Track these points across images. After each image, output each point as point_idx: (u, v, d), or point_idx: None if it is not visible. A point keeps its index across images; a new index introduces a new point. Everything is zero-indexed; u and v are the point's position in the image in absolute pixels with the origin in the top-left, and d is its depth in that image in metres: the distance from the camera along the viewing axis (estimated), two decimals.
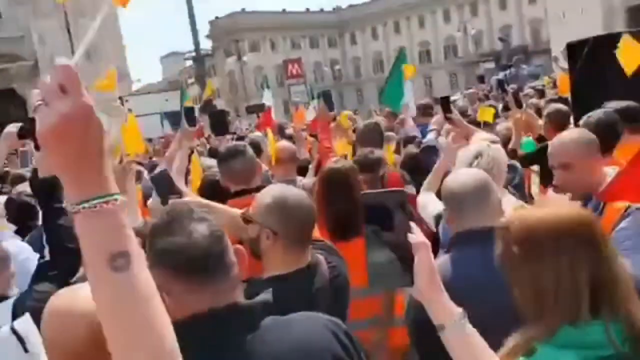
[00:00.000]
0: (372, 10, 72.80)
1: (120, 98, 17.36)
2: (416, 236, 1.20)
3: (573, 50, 5.74)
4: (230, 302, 1.29)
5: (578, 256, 1.27)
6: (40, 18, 28.89)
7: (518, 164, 4.22)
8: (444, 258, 2.00)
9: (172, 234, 1.28)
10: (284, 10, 74.03)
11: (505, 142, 4.41)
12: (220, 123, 9.64)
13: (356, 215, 2.46)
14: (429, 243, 1.22)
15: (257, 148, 4.25)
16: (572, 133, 2.59)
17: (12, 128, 2.56)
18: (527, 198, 4.09)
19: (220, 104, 43.14)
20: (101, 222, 0.82)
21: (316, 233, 2.32)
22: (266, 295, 1.36)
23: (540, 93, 10.59)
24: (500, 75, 18.78)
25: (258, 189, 2.42)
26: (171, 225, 1.30)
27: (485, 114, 5.75)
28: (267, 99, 11.98)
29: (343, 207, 2.66)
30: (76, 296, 1.30)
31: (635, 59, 4.52)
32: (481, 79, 29.16)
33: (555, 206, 1.43)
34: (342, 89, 70.80)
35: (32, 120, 2.11)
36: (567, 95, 6.58)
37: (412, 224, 1.22)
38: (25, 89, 29.35)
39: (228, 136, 9.27)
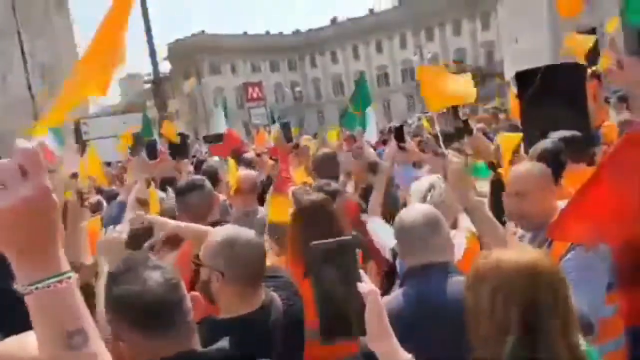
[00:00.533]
0: (331, 34, 73.82)
1: (76, 122, 17.02)
2: (365, 285, 1.23)
3: (521, 78, 5.95)
4: (187, 349, 1.31)
5: (512, 301, 1.35)
6: None
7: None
8: (397, 292, 2.07)
9: (127, 283, 1.31)
10: (245, 33, 74.04)
11: None
12: (180, 148, 9.46)
13: None
14: (377, 290, 1.25)
15: (214, 178, 4.17)
16: (527, 164, 2.71)
17: None
18: None
19: (179, 125, 42.50)
20: (56, 301, 0.81)
21: (282, 266, 2.31)
22: (223, 343, 1.37)
23: (495, 117, 10.86)
24: None
25: (214, 225, 2.41)
26: (127, 274, 1.33)
27: (425, 124, 7.69)
28: (221, 126, 11.16)
29: None
30: (24, 343, 1.30)
31: (582, 49, 5.17)
32: None
33: (526, 251, 1.53)
34: (303, 110, 71.01)
35: None
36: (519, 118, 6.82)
37: (362, 272, 1.25)
38: None
39: (186, 160, 9.13)
